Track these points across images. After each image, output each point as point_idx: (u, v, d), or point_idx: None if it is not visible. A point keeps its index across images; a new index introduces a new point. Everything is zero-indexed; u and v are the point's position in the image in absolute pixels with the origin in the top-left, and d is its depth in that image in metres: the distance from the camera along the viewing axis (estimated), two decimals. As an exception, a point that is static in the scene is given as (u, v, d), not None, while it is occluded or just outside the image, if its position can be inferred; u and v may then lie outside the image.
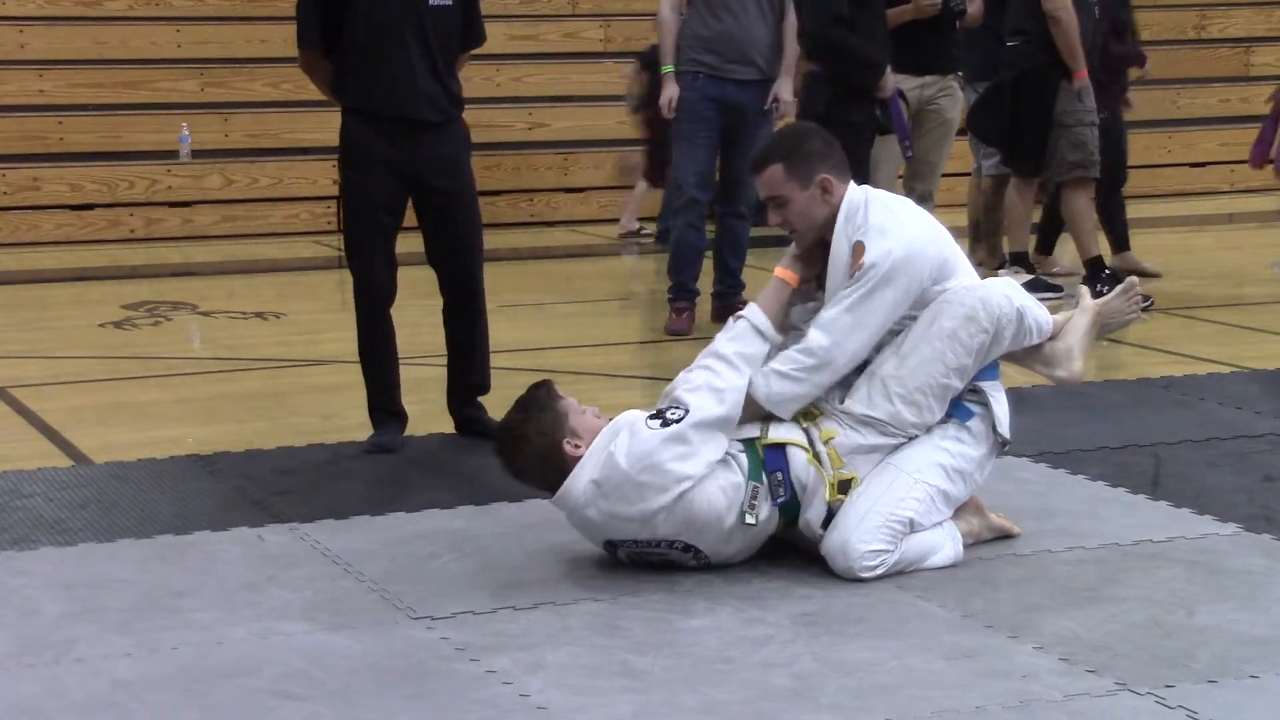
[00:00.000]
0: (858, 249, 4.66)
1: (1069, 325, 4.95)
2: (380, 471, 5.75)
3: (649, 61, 10.46)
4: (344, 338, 7.76)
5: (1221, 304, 9.04)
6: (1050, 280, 9.12)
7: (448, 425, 6.17)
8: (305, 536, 4.96)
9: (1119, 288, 5.11)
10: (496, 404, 6.16)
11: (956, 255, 4.80)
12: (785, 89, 8.43)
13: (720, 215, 8.32)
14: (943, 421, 4.69)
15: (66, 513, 5.23)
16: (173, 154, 11.73)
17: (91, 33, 12.37)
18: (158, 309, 8.99)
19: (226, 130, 12.06)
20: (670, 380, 4.78)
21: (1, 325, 8.69)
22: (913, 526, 4.57)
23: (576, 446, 4.53)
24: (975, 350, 4.66)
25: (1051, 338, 4.90)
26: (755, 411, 4.63)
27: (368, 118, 5.90)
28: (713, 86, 8.08)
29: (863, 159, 7.75)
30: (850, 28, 7.99)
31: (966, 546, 4.71)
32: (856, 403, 4.64)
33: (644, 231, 11.62)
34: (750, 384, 4.62)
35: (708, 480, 4.49)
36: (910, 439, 4.65)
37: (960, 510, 4.74)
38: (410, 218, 6.03)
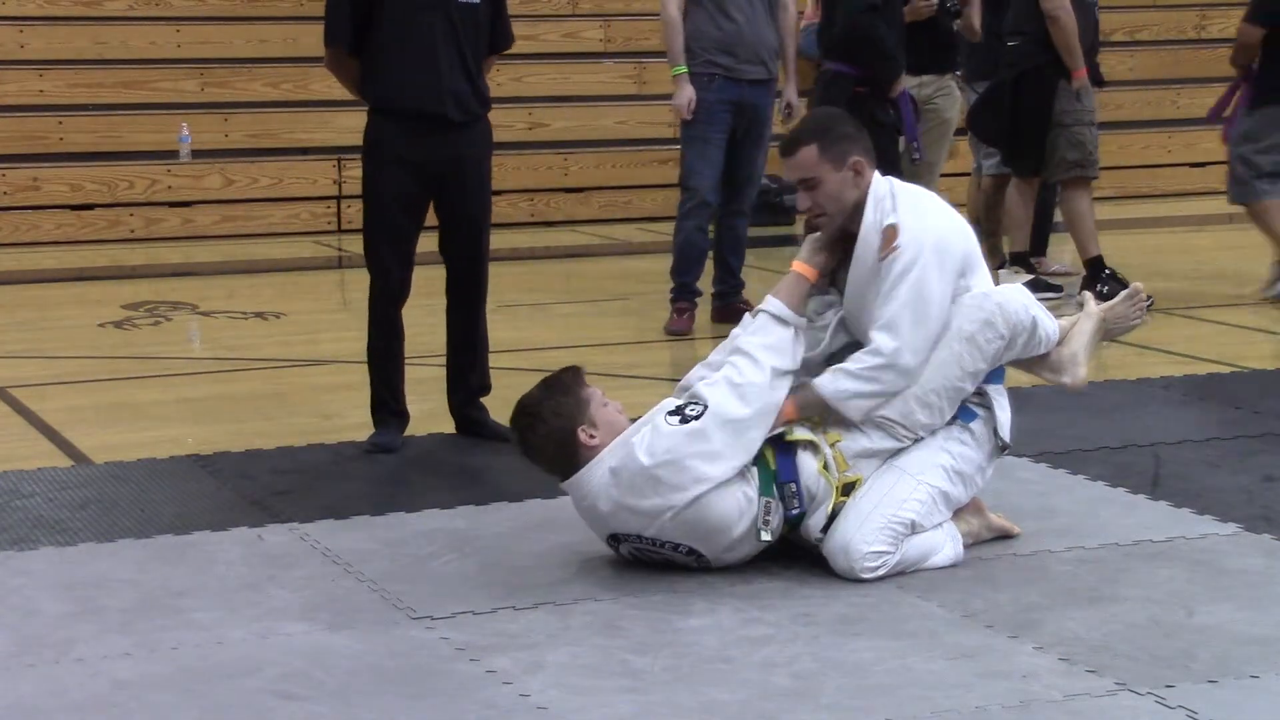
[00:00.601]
0: (890, 232, 4.65)
1: (1073, 331, 4.96)
2: (380, 471, 5.75)
3: None
4: (344, 338, 7.79)
5: (1221, 304, 9.03)
6: (1050, 280, 9.12)
7: (448, 425, 6.17)
8: (305, 536, 4.96)
9: (1124, 293, 5.13)
10: (496, 404, 6.17)
11: (977, 251, 4.82)
12: (793, 91, 8.43)
13: (722, 215, 8.31)
14: (946, 424, 4.69)
15: (66, 513, 5.23)
16: (173, 154, 11.73)
17: (91, 33, 12.36)
18: (158, 309, 8.98)
19: (226, 130, 12.05)
20: (674, 380, 4.79)
21: (1, 325, 8.69)
22: (914, 528, 4.58)
23: (591, 437, 4.52)
24: (990, 355, 4.68)
25: (1057, 343, 4.91)
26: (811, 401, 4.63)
27: (394, 116, 5.90)
28: (728, 89, 8.08)
29: (889, 157, 7.71)
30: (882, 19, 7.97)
31: (966, 547, 4.71)
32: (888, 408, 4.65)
33: None
34: (816, 382, 4.61)
35: (724, 488, 4.48)
36: (915, 441, 4.65)
37: (960, 511, 4.75)
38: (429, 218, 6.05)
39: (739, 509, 4.50)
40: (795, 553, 4.63)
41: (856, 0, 7.90)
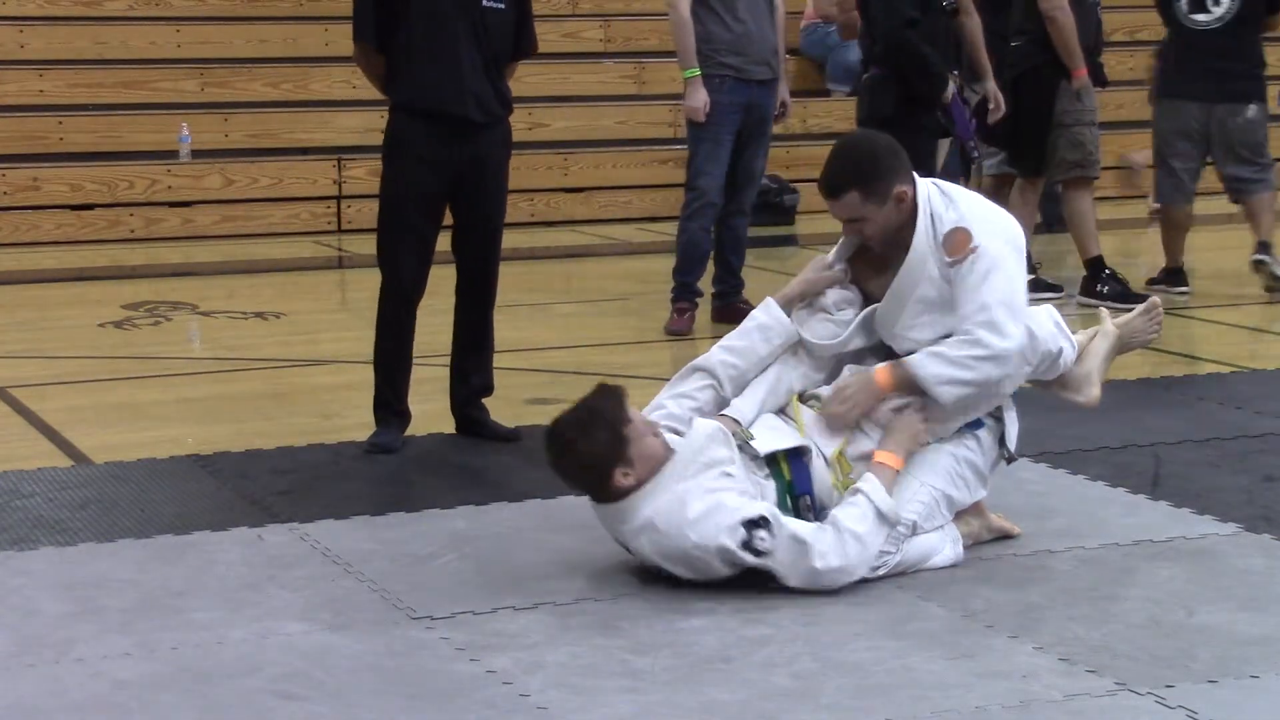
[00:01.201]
0: (964, 235, 4.64)
1: (1089, 349, 4.99)
2: (380, 471, 5.75)
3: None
4: (344, 338, 7.78)
5: (1221, 304, 9.03)
6: (1050, 280, 9.12)
7: (448, 425, 6.17)
8: (305, 536, 4.96)
9: (1141, 307, 5.19)
10: (496, 404, 6.17)
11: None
12: (785, 90, 8.42)
13: (723, 214, 8.31)
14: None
15: (66, 513, 5.23)
16: (173, 154, 11.72)
17: (91, 33, 12.35)
18: (158, 309, 8.98)
19: (226, 130, 12.05)
20: (667, 379, 4.79)
21: (1, 325, 8.69)
22: (915, 529, 4.58)
23: (626, 475, 4.42)
24: (1015, 382, 4.74)
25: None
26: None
27: (417, 115, 5.91)
28: (739, 90, 8.08)
29: (929, 162, 7.65)
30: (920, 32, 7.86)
31: (966, 548, 4.71)
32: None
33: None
34: (911, 362, 4.61)
35: None
36: (921, 444, 4.67)
37: (961, 512, 4.75)
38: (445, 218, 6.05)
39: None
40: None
41: (894, 14, 7.73)
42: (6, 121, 11.64)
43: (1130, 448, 5.89)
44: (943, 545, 4.65)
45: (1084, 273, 8.92)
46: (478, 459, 5.90)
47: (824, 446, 4.62)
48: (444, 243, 6.10)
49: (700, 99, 8.05)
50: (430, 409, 6.22)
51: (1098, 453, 5.81)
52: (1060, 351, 4.84)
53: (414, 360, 6.10)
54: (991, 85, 8.40)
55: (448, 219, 6.05)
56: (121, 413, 6.74)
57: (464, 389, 6.14)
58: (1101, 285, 8.76)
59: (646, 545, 4.43)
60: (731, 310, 7.95)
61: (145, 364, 7.60)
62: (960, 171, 8.74)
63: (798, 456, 4.59)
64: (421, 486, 5.57)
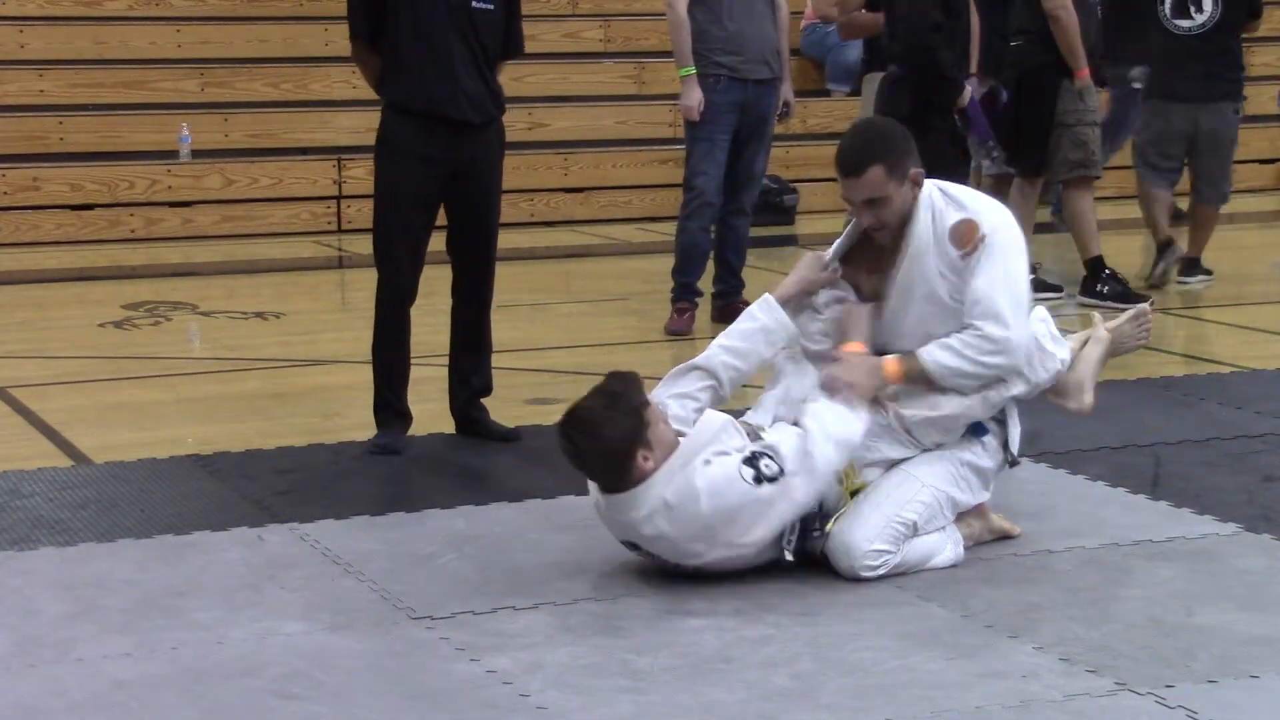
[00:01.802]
0: (971, 227, 4.65)
1: (1082, 355, 5.01)
2: (380, 471, 5.75)
3: None
4: (344, 338, 7.78)
5: (1221, 304, 9.03)
6: (1050, 280, 9.12)
7: (449, 425, 6.17)
8: (305, 536, 4.96)
9: (1130, 312, 5.20)
10: (495, 404, 6.17)
11: None
12: (789, 91, 8.42)
13: (724, 214, 8.31)
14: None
15: (66, 513, 5.23)
16: (173, 154, 11.72)
17: (91, 33, 12.35)
18: (158, 309, 8.98)
19: (226, 130, 12.05)
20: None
21: (1, 325, 8.69)
22: (915, 530, 4.58)
23: (647, 459, 4.41)
24: (1013, 396, 4.76)
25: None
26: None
27: (409, 115, 5.91)
28: (734, 89, 8.07)
29: (943, 161, 7.62)
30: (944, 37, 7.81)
31: (967, 548, 4.71)
32: (907, 406, 4.66)
33: None
34: (922, 354, 4.62)
35: None
36: (923, 450, 4.67)
37: (961, 513, 4.75)
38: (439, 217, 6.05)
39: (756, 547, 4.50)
40: (796, 553, 4.62)
41: (919, 16, 7.66)
42: (6, 121, 11.64)
43: (1130, 448, 5.89)
44: (943, 546, 4.65)
45: (1084, 273, 8.93)
46: (478, 459, 5.91)
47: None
48: (441, 243, 6.10)
49: (695, 98, 8.06)
50: (430, 409, 6.22)
51: (1098, 453, 5.81)
52: (1057, 370, 4.83)
53: (413, 360, 6.10)
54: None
55: (442, 219, 6.05)
56: (121, 413, 6.74)
57: (463, 390, 6.14)
58: (1102, 285, 8.77)
59: (663, 526, 4.40)
60: (732, 310, 7.92)
61: (145, 364, 7.59)
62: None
63: None
64: (421, 486, 5.57)
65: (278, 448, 6.01)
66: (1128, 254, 9.79)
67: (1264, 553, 4.76)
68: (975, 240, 4.63)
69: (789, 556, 4.51)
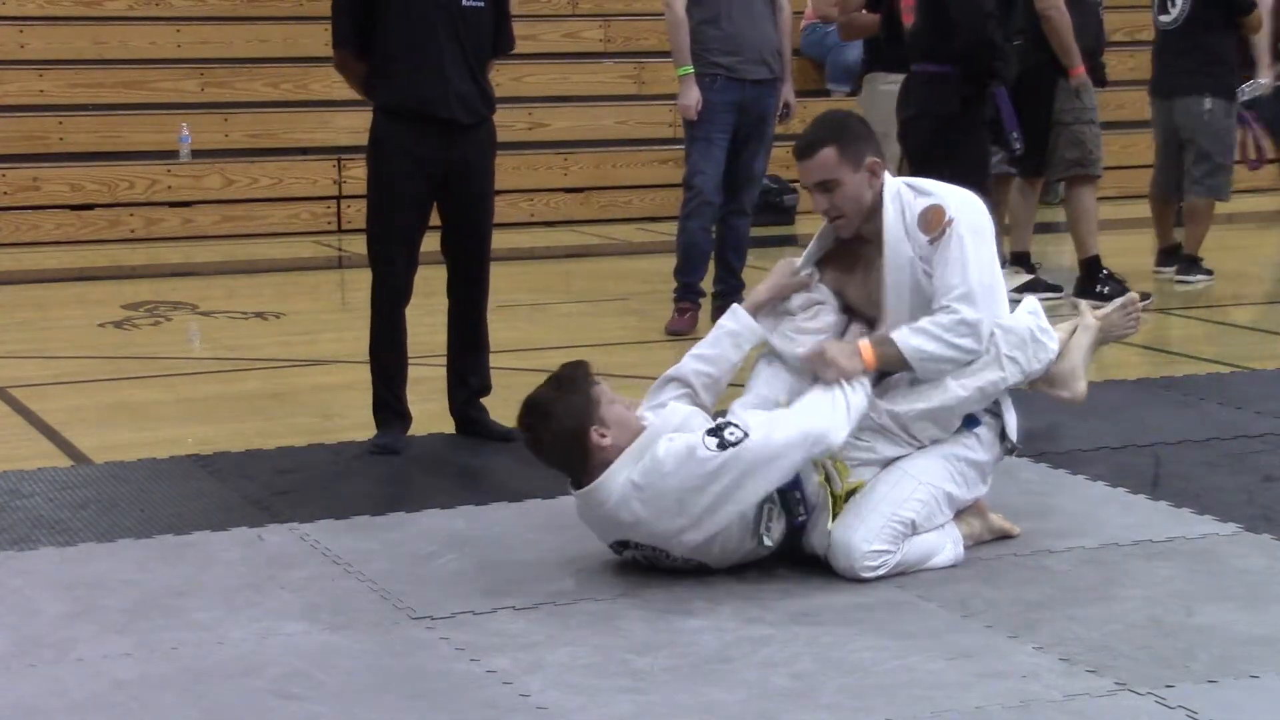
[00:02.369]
0: (937, 212, 4.68)
1: (1071, 344, 4.99)
2: (380, 471, 5.75)
3: None
4: (344, 338, 7.78)
5: (1221, 304, 9.04)
6: (1049, 280, 9.12)
7: (448, 425, 6.17)
8: (305, 536, 4.96)
9: (1118, 301, 5.19)
10: (495, 404, 6.17)
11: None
12: (790, 91, 8.41)
13: (724, 214, 8.31)
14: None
15: (66, 513, 5.23)
16: (173, 154, 11.73)
17: (91, 33, 12.36)
18: (158, 309, 8.98)
19: (226, 130, 12.05)
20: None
21: (1, 325, 8.69)
22: (914, 528, 4.58)
23: (603, 436, 4.46)
24: (1000, 392, 4.77)
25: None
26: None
27: (400, 116, 5.91)
28: (731, 89, 8.08)
29: (985, 163, 7.57)
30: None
31: (967, 548, 4.71)
32: (901, 401, 4.66)
33: None
34: (896, 338, 4.63)
35: None
36: (918, 447, 4.67)
37: (961, 512, 4.75)
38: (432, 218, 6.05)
39: (747, 522, 4.50)
40: (795, 553, 4.63)
41: (977, 11, 7.41)
42: (6, 121, 11.65)
43: (1130, 448, 5.89)
44: (943, 545, 4.65)
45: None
46: (478, 459, 5.91)
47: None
48: (439, 243, 6.10)
49: (692, 97, 8.06)
50: (430, 409, 6.22)
51: (1098, 453, 5.81)
52: (1045, 363, 4.82)
53: (412, 360, 6.10)
54: None
55: (435, 219, 6.05)
56: (121, 413, 6.74)
57: (462, 390, 6.15)
58: (1100, 285, 8.76)
59: (637, 509, 4.41)
60: (732, 310, 7.94)
61: (145, 364, 7.60)
62: None
63: None
64: (421, 486, 5.57)
65: (277, 448, 6.01)
66: (1132, 254, 9.78)
67: (1264, 553, 4.76)
68: (943, 224, 4.66)
69: (768, 542, 4.52)
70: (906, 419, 4.66)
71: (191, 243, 11.39)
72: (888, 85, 8.92)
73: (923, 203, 4.70)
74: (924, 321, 4.64)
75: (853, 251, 4.84)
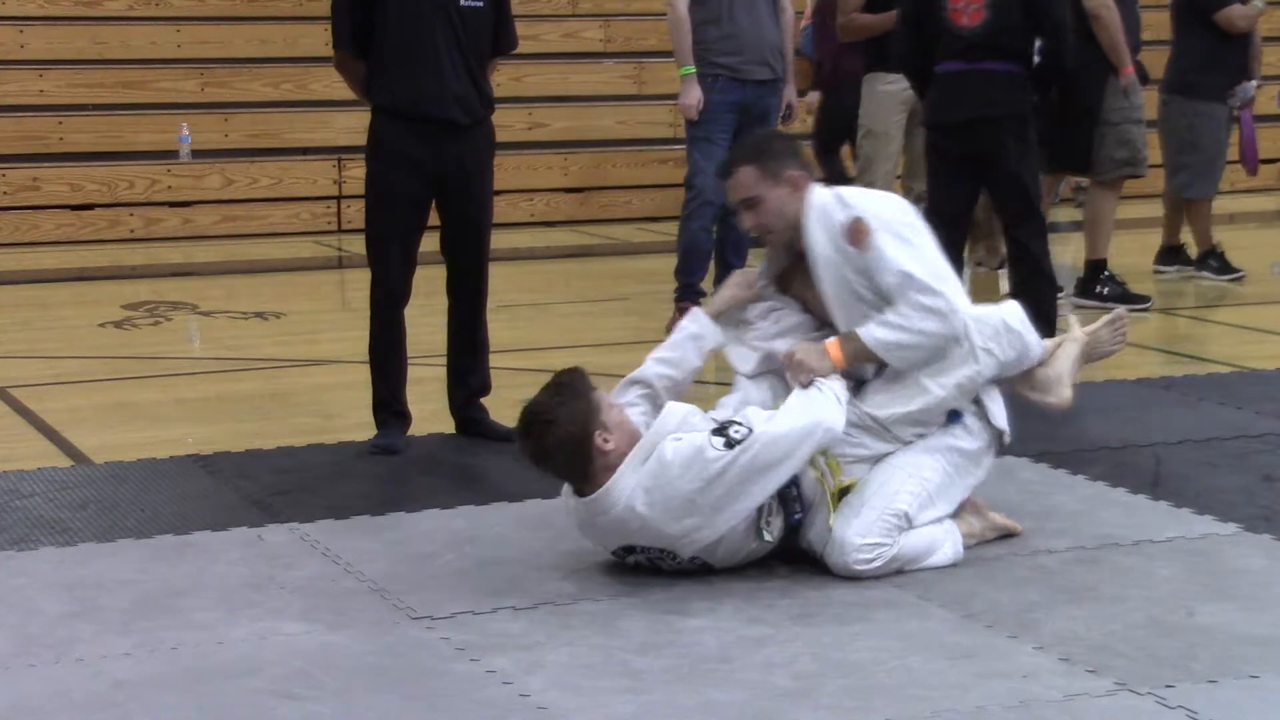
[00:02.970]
0: (859, 223, 4.68)
1: (1058, 352, 5.01)
2: (380, 471, 5.75)
3: None
4: (344, 338, 7.78)
5: (1221, 304, 9.04)
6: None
7: (448, 425, 6.17)
8: (305, 536, 4.96)
9: (1106, 318, 5.19)
10: (495, 404, 6.17)
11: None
12: (792, 93, 8.42)
13: (724, 214, 8.30)
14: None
15: (66, 513, 5.23)
16: (173, 154, 11.73)
17: (91, 33, 12.37)
18: (158, 309, 8.99)
19: (226, 130, 12.06)
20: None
21: (1, 325, 8.69)
22: (909, 520, 4.58)
23: (606, 441, 4.45)
24: (979, 389, 4.77)
25: (1041, 363, 4.94)
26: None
27: (397, 117, 5.91)
28: (732, 89, 8.08)
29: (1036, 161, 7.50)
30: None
31: (967, 547, 4.71)
32: (881, 406, 4.65)
33: None
34: (862, 333, 4.64)
35: None
36: (906, 443, 4.67)
37: (961, 510, 4.75)
38: (431, 218, 6.05)
39: (749, 521, 4.50)
40: (795, 553, 4.63)
41: (1065, 9, 7.20)
42: (6, 121, 11.65)
43: (1130, 448, 5.89)
44: (942, 543, 4.65)
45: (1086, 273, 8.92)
46: (478, 459, 5.91)
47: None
48: (437, 243, 6.10)
49: (694, 96, 8.06)
50: (430, 409, 6.22)
51: (1098, 453, 5.81)
52: (1017, 331, 4.82)
53: (412, 360, 6.11)
54: None
55: (434, 219, 6.05)
56: (121, 413, 6.74)
57: (461, 390, 6.15)
58: (1101, 287, 8.75)
59: (644, 512, 4.40)
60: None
61: (145, 364, 7.60)
62: None
63: None
64: (421, 486, 5.57)
65: (277, 448, 6.01)
66: (1133, 253, 9.78)
67: (1264, 553, 4.76)
68: (865, 232, 4.67)
69: (768, 537, 4.52)
70: (888, 422, 4.66)
71: (191, 243, 11.40)
72: (887, 85, 8.95)
73: (843, 216, 4.72)
74: (886, 313, 4.66)
75: (804, 265, 4.86)
